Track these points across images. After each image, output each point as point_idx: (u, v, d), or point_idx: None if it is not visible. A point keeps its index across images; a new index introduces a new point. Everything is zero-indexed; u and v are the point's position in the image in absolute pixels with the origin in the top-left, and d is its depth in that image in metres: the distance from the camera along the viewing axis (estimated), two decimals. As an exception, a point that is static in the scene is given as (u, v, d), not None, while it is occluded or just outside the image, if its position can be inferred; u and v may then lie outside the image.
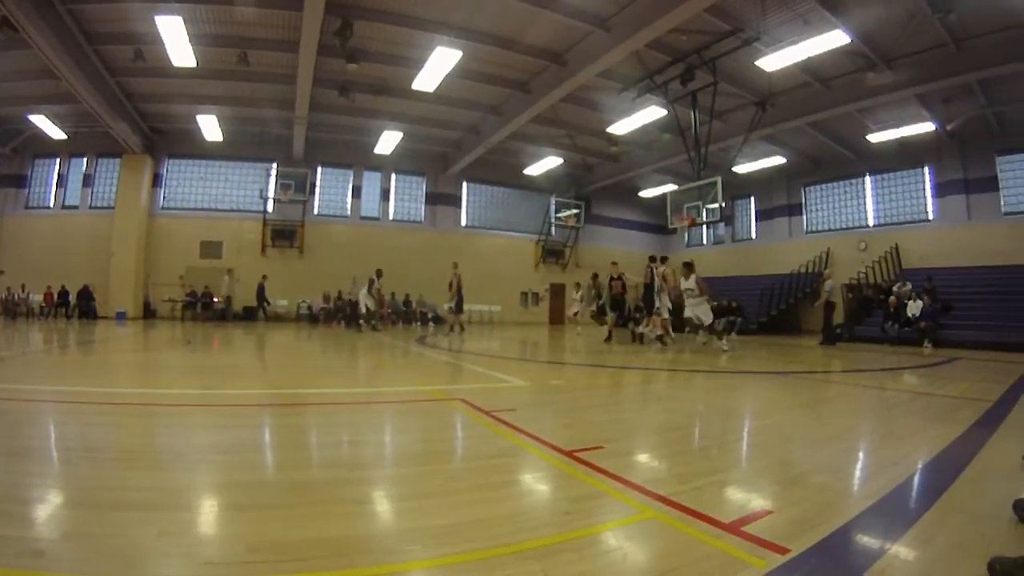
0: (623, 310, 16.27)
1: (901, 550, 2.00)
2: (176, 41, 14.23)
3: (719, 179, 17.92)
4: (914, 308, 16.15)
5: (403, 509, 2.42)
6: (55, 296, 21.72)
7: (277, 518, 2.22)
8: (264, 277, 22.41)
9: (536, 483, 2.84)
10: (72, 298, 21.96)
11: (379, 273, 18.26)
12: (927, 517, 2.27)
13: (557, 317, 29.75)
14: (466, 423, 4.34)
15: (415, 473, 2.94)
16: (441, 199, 27.86)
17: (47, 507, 2.30)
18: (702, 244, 31.99)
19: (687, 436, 4.19)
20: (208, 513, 2.34)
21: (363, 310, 18.37)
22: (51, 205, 23.86)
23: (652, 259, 15.07)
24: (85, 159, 23.90)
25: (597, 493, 2.59)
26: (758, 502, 2.47)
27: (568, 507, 2.40)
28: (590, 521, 2.27)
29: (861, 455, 3.66)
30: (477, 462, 3.13)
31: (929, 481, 2.90)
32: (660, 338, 13.71)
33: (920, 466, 3.17)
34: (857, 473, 3.11)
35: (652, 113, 18.75)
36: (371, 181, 26.92)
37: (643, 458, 3.41)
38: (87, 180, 23.95)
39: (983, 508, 2.44)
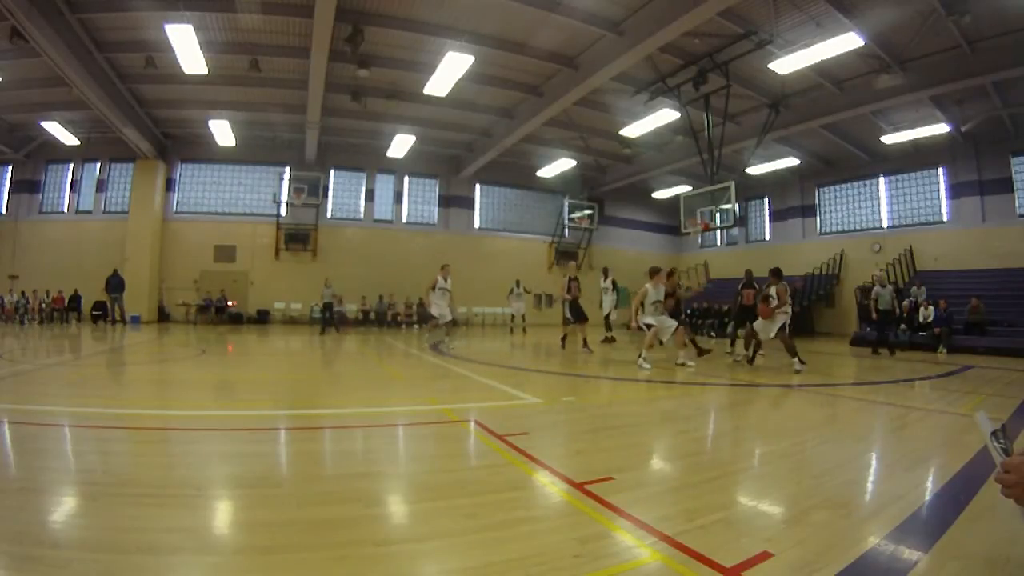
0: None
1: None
2: (187, 48, 14.48)
3: (732, 183, 17.92)
4: (926, 313, 16.07)
5: (418, 552, 2.50)
6: (66, 300, 22.00)
7: (300, 562, 2.30)
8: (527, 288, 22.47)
9: (546, 521, 2.90)
10: (84, 304, 22.34)
11: (444, 268, 13.95)
12: (921, 565, 2.32)
13: (570, 319, 29.79)
14: (479, 451, 4.43)
15: (429, 509, 3.02)
16: (454, 201, 28.05)
17: (71, 550, 2.38)
18: (716, 245, 32.09)
19: (697, 464, 4.23)
20: (234, 555, 2.41)
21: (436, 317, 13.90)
22: (65, 210, 24.30)
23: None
24: (98, 164, 24.33)
25: (605, 532, 2.66)
26: (760, 544, 2.51)
27: (577, 548, 2.46)
28: (597, 565, 2.32)
29: (869, 487, 3.70)
30: (489, 496, 3.19)
31: (930, 519, 2.95)
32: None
33: (925, 501, 3.22)
34: (861, 509, 3.15)
35: (665, 116, 18.83)
36: (384, 184, 27.15)
37: (651, 491, 3.46)
38: (100, 185, 24.37)
39: (980, 552, 2.49)
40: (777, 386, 8.48)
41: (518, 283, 22.29)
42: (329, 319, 19.87)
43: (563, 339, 14.57)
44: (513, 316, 22.44)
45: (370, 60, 16.87)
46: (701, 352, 11.95)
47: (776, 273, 11.02)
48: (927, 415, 6.29)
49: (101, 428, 4.72)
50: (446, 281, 13.60)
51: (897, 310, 15.09)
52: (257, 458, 4.01)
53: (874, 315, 14.64)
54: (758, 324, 10.85)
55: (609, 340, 15.66)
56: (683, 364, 10.56)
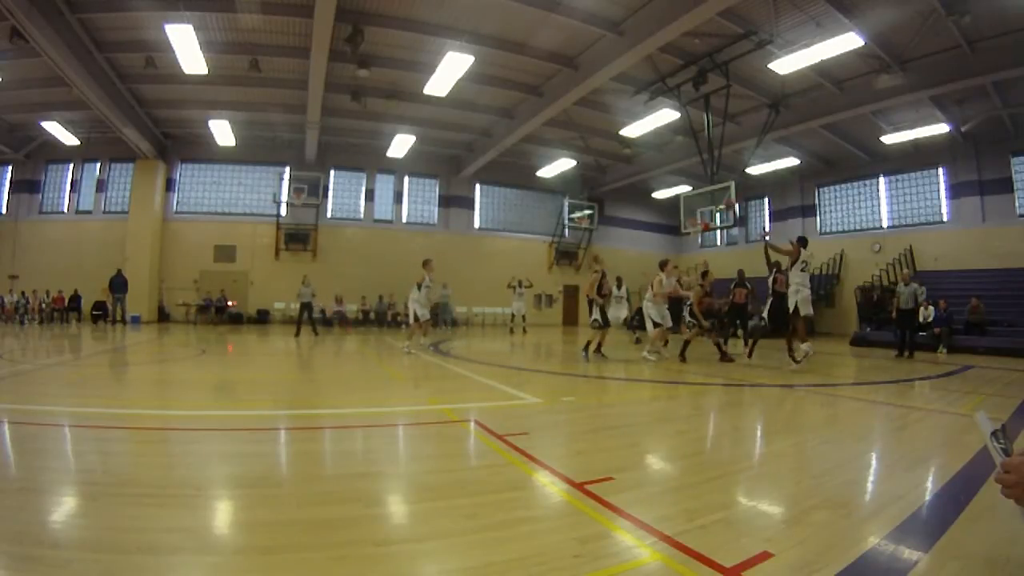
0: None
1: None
2: (187, 48, 14.49)
3: (732, 183, 17.92)
4: (926, 314, 16.05)
5: (418, 552, 2.50)
6: (66, 300, 22.02)
7: (300, 562, 2.31)
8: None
9: (546, 521, 2.91)
10: (84, 304, 22.35)
11: (427, 264, 12.98)
12: (922, 565, 2.32)
13: (570, 319, 29.85)
14: (479, 450, 4.44)
15: (429, 509, 3.03)
16: (454, 201, 28.07)
17: (72, 550, 2.38)
18: (715, 245, 32.11)
19: (697, 464, 4.24)
20: (235, 555, 2.42)
21: (412, 319, 13.20)
22: (65, 210, 24.31)
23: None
24: (98, 164, 24.35)
25: (605, 532, 2.66)
26: (760, 544, 2.51)
27: (577, 548, 2.46)
28: (597, 565, 2.32)
29: (869, 487, 3.72)
30: (489, 496, 3.19)
31: (930, 519, 2.96)
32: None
33: (925, 501, 3.23)
34: (861, 509, 3.15)
35: (665, 116, 18.84)
36: (384, 184, 27.17)
37: (651, 491, 3.47)
38: (100, 185, 24.38)
39: (980, 552, 2.49)
40: (777, 386, 8.48)
41: (520, 282, 22.19)
42: (308, 319, 18.26)
43: (599, 346, 12.05)
44: (513, 315, 22.33)
45: (370, 60, 16.86)
46: (725, 357, 11.69)
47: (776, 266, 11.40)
48: (927, 415, 6.29)
49: (101, 428, 4.73)
50: (430, 278, 12.92)
51: (920, 312, 14.82)
52: (257, 458, 4.02)
53: (893, 314, 14.48)
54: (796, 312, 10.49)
55: (638, 341, 15.66)
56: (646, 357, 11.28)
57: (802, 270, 10.45)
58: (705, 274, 12.99)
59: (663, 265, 11.93)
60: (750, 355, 11.60)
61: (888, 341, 16.16)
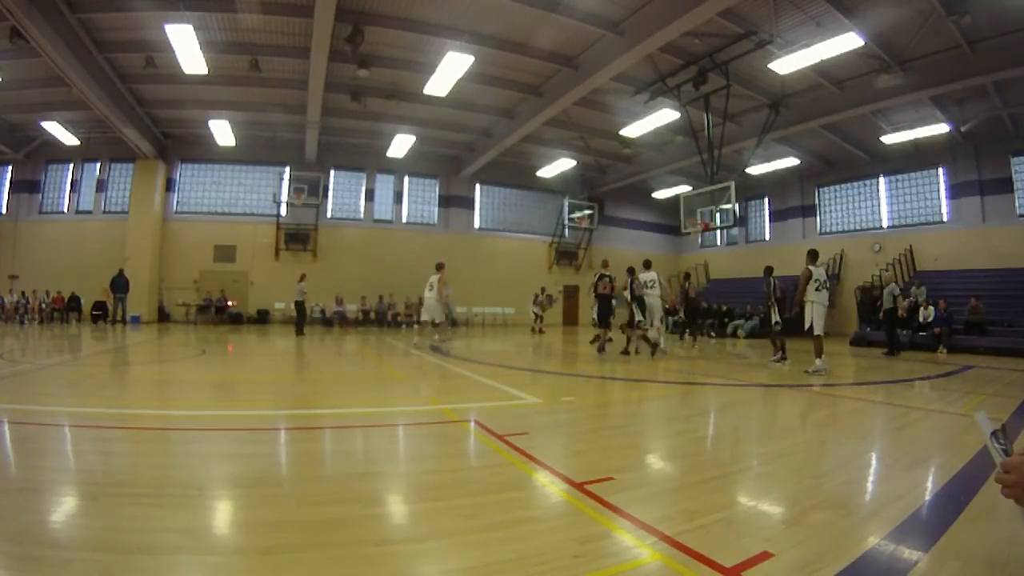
0: None
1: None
2: (187, 49, 14.48)
3: (732, 183, 17.91)
4: (926, 314, 16.04)
5: (417, 552, 2.50)
6: (66, 300, 22.03)
7: (300, 562, 2.31)
8: None
9: (546, 521, 2.91)
10: (84, 304, 22.29)
11: (440, 267, 14.14)
12: (921, 565, 2.32)
13: (571, 319, 29.83)
14: (479, 451, 4.44)
15: (429, 509, 3.03)
16: (454, 201, 28.04)
17: (71, 550, 2.38)
18: (716, 245, 32.13)
19: (697, 464, 4.24)
20: (234, 555, 2.42)
21: (430, 319, 13.89)
22: (65, 210, 24.30)
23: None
24: (98, 164, 24.34)
25: (605, 532, 2.66)
26: (760, 544, 2.51)
27: (577, 548, 2.46)
28: (597, 565, 2.33)
29: (869, 487, 3.72)
30: (489, 496, 3.19)
31: (930, 519, 2.96)
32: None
33: (925, 501, 3.23)
34: (861, 509, 3.15)
35: (665, 116, 18.83)
36: (384, 184, 27.14)
37: (651, 491, 3.46)
38: (100, 185, 24.37)
39: (980, 552, 2.49)
40: (777, 386, 8.48)
41: (543, 289, 24.36)
42: (301, 319, 18.08)
43: (604, 343, 12.54)
44: (536, 316, 23.57)
45: (370, 60, 16.84)
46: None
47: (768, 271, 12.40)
48: (927, 415, 6.29)
49: (101, 428, 4.72)
50: None
51: (899, 310, 14.84)
52: (257, 458, 4.02)
53: (880, 314, 14.83)
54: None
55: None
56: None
57: (816, 289, 9.99)
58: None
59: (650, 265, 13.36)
60: (779, 359, 11.38)
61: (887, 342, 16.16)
